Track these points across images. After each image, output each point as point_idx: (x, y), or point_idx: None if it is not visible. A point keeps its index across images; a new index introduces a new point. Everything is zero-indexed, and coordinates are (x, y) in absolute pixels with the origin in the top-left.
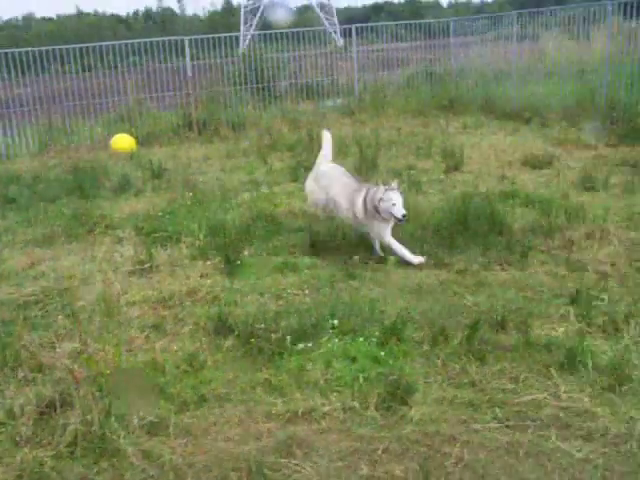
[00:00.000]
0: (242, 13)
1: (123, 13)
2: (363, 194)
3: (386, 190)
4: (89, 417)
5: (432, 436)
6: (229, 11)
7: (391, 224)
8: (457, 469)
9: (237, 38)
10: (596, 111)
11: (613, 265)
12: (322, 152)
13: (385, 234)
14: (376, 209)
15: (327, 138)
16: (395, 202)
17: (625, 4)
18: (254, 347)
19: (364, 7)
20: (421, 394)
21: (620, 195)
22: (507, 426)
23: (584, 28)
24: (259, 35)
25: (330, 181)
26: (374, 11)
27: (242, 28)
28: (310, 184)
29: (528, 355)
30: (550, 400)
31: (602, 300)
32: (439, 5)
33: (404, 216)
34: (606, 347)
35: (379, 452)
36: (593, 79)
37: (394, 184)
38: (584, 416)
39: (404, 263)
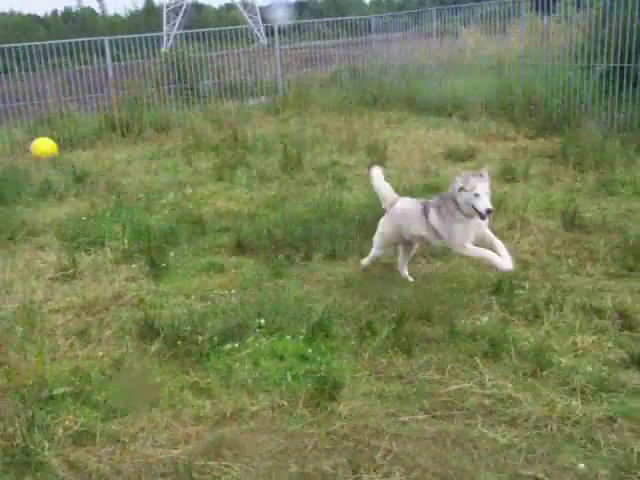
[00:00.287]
0: (164, 12)
1: (41, 13)
2: (438, 200)
3: (469, 177)
4: (11, 430)
5: (361, 430)
6: (151, 11)
7: (474, 228)
8: (386, 461)
9: (160, 38)
10: (515, 104)
11: (533, 254)
12: (382, 193)
13: (463, 240)
14: (456, 203)
15: (377, 175)
16: (479, 192)
17: (537, 1)
18: (181, 350)
19: (287, 5)
20: (349, 389)
21: (539, 185)
22: (434, 416)
23: (501, 24)
24: (182, 35)
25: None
26: (298, 9)
27: (165, 28)
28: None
29: (454, 345)
30: (475, 389)
31: (523, 288)
32: (362, 2)
33: (489, 211)
34: (528, 334)
35: (308, 449)
36: (511, 73)
37: (483, 170)
38: (508, 402)
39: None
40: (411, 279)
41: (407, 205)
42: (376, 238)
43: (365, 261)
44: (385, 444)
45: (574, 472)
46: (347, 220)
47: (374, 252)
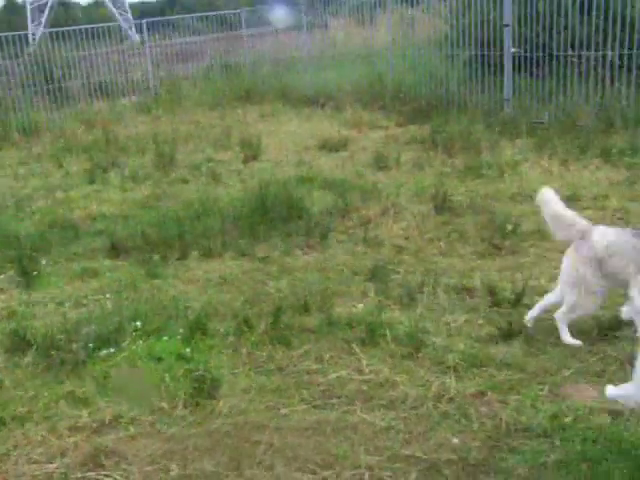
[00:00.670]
0: (28, 10)
1: None
2: None
3: None
4: None
5: (242, 426)
6: (14, 8)
7: None
8: (267, 455)
9: (24, 37)
10: (385, 93)
11: (407, 238)
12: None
13: None
14: None
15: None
16: None
17: None
18: (55, 359)
19: (158, 1)
20: (229, 386)
21: (411, 171)
22: (314, 406)
23: (369, 15)
24: (49, 33)
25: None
26: (169, 4)
27: (30, 26)
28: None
29: (331, 334)
30: (354, 375)
31: (398, 273)
32: None
33: None
34: (403, 317)
35: (190, 450)
36: (380, 63)
37: None
38: (386, 386)
39: None
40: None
41: (617, 236)
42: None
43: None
44: (266, 438)
45: (449, 447)
46: (222, 216)
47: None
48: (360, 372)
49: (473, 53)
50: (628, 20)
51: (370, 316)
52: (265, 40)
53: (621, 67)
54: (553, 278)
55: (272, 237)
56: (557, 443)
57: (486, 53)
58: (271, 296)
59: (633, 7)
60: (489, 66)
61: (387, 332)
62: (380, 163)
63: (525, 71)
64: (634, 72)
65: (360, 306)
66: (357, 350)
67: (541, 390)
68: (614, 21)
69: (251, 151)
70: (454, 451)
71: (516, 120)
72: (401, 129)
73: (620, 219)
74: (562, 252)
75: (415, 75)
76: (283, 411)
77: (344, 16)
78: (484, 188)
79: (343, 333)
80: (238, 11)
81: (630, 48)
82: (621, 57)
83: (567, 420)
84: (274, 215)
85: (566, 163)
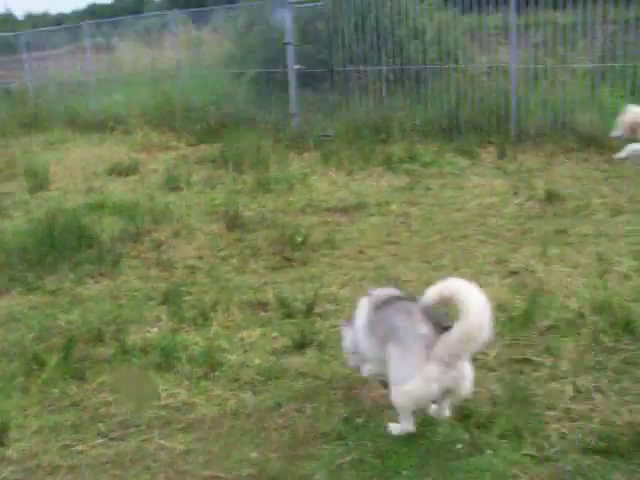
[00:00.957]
0: None
1: None
2: None
3: None
4: None
5: (34, 471)
6: None
7: None
8: None
9: None
10: (174, 114)
11: (200, 258)
12: None
13: None
14: None
15: None
16: None
17: (195, 13)
18: None
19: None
20: (18, 430)
21: (202, 191)
22: (111, 439)
23: (158, 36)
24: None
25: None
26: None
27: None
28: None
29: (126, 362)
30: (151, 402)
31: (191, 294)
32: (13, 18)
33: None
34: (198, 338)
35: None
36: (168, 84)
37: None
38: (184, 409)
39: None
40: None
41: None
42: None
43: None
44: (61, 479)
45: (248, 462)
46: (7, 250)
47: None
48: (157, 398)
49: (259, 71)
50: (398, 39)
51: (164, 340)
52: (50, 63)
53: (395, 81)
54: (343, 284)
55: (62, 268)
56: (351, 444)
57: (271, 71)
58: (62, 329)
59: (401, 27)
60: (275, 83)
61: (182, 354)
62: (171, 184)
63: (309, 87)
64: (406, 85)
65: (154, 331)
66: (153, 376)
67: (335, 395)
68: (385, 39)
69: (38, 181)
70: (254, 465)
71: (303, 134)
72: (192, 149)
73: (403, 223)
74: (351, 259)
75: (204, 94)
76: (79, 448)
77: (132, 37)
78: (274, 202)
79: (138, 360)
80: (18, 33)
81: (401, 64)
82: (394, 72)
83: (359, 421)
84: (63, 245)
85: (352, 173)
